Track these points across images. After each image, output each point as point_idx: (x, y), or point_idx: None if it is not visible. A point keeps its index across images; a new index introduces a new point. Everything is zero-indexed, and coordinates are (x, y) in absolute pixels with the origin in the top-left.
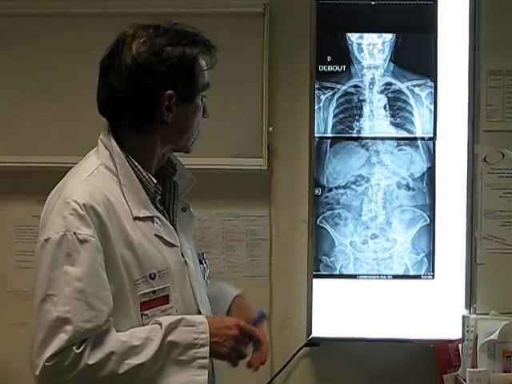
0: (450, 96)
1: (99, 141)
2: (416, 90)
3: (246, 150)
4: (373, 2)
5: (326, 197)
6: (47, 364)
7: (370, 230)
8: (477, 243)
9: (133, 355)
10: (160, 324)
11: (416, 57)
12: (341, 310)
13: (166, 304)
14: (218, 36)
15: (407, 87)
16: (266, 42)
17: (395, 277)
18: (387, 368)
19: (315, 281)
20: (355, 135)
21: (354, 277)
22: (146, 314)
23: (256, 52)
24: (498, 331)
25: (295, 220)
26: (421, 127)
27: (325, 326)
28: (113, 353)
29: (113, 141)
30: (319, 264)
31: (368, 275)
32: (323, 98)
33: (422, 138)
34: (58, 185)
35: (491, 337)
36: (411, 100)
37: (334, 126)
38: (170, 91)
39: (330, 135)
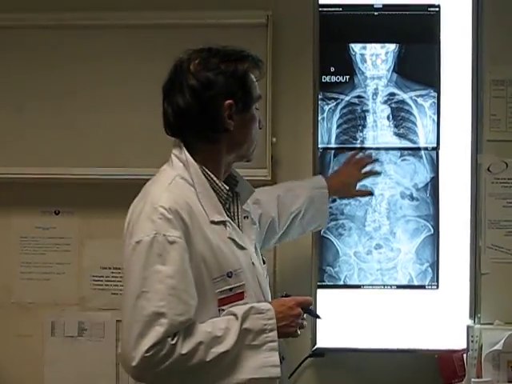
0: (453, 106)
1: (172, 155)
2: (419, 100)
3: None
4: (376, 13)
5: (330, 207)
6: (146, 355)
7: (374, 240)
8: (481, 253)
9: (217, 344)
10: (235, 314)
11: (419, 67)
12: (345, 321)
13: (241, 300)
14: None
15: (410, 97)
16: (269, 53)
17: (399, 287)
18: (392, 378)
19: (319, 291)
20: (359, 146)
21: (358, 287)
22: (223, 309)
23: None
24: (502, 341)
25: None
26: (424, 137)
27: (329, 336)
28: (201, 342)
29: (187, 154)
30: (323, 274)
31: (372, 285)
32: (327, 108)
33: (426, 148)
34: (139, 196)
35: (496, 347)
36: (414, 110)
37: (337, 136)
38: (229, 100)
39: (333, 146)
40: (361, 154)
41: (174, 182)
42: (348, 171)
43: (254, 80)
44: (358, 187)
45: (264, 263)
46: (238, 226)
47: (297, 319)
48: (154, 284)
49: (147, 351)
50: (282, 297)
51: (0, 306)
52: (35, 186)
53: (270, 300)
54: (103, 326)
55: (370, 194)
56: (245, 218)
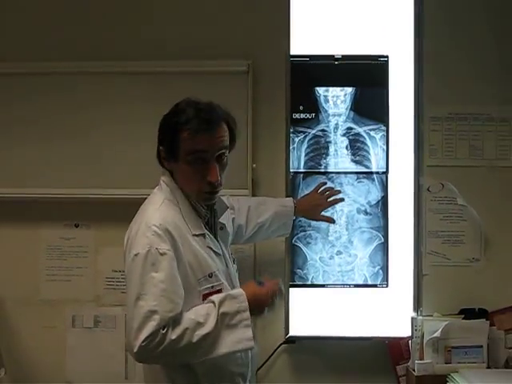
0: (399, 138)
1: (161, 181)
2: (372, 133)
3: (235, 183)
4: (336, 62)
5: (300, 220)
6: (143, 344)
7: (336, 247)
8: (422, 257)
9: (200, 327)
10: (213, 302)
11: (372, 106)
12: (313, 314)
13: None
14: (210, 91)
15: (364, 131)
16: (250, 95)
17: (356, 286)
18: (351, 360)
19: (291, 290)
20: (323, 170)
21: (322, 286)
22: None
23: (241, 103)
24: (440, 330)
25: (275, 239)
26: (376, 163)
27: (300, 326)
28: (187, 328)
29: (172, 180)
30: (294, 276)
31: (334, 285)
32: (297, 140)
33: (377, 172)
34: (136, 214)
35: (435, 334)
36: (368, 141)
37: (305, 162)
38: (161, 147)
39: (302, 170)
40: (327, 184)
41: (164, 204)
42: (316, 198)
43: (191, 137)
44: (324, 212)
45: (234, 263)
46: (216, 236)
47: (265, 303)
48: (150, 288)
49: (143, 341)
50: (260, 283)
51: (29, 303)
52: (59, 204)
53: None
54: (115, 319)
55: (332, 221)
56: (220, 228)
